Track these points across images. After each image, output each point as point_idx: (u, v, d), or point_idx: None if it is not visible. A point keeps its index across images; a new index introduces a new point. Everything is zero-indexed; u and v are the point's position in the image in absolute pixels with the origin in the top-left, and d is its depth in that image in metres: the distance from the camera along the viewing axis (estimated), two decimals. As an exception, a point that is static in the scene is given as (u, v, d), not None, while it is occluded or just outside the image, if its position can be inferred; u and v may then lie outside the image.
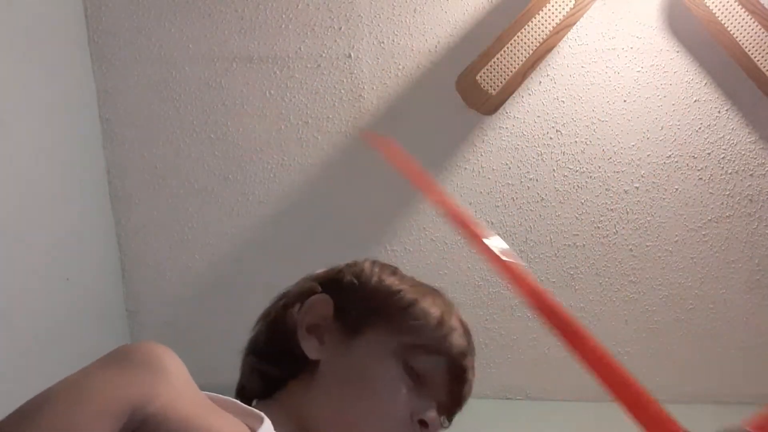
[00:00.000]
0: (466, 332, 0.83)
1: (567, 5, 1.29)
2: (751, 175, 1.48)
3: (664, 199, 1.51)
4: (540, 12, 1.30)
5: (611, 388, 0.59)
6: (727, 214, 1.50)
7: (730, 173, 1.48)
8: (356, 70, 1.52)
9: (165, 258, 1.67)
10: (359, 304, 0.80)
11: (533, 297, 0.65)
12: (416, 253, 1.59)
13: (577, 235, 1.55)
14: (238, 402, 0.68)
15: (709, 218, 1.51)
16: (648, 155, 1.49)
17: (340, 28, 1.50)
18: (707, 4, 1.27)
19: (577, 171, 1.51)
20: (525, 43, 1.32)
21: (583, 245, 1.55)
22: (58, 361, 1.40)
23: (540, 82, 1.47)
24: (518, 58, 1.33)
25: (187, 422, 0.56)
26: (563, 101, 1.48)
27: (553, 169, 1.52)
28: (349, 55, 1.51)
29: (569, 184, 1.52)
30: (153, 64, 1.56)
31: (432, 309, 0.80)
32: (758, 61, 1.28)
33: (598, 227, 1.54)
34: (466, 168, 1.54)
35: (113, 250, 1.66)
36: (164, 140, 1.60)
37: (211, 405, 0.63)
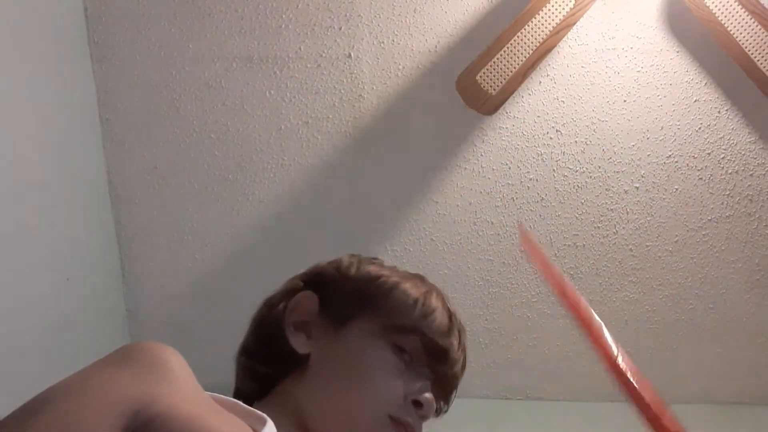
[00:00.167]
0: (449, 312, 0.83)
1: (567, 5, 1.29)
2: (751, 175, 1.48)
3: (664, 199, 1.51)
4: (540, 12, 1.30)
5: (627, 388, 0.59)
6: (727, 214, 1.50)
7: (730, 173, 1.48)
8: (356, 70, 1.52)
9: (165, 258, 1.67)
10: (342, 295, 0.81)
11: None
12: (416, 253, 1.59)
13: (577, 235, 1.55)
14: (241, 403, 0.68)
15: (709, 218, 1.51)
16: (648, 155, 1.49)
17: (340, 28, 1.50)
18: (707, 4, 1.27)
19: (577, 171, 1.51)
20: (525, 43, 1.32)
21: (583, 245, 1.55)
22: (58, 361, 1.40)
23: (540, 82, 1.47)
24: (518, 58, 1.33)
25: (191, 423, 0.56)
26: (563, 101, 1.48)
27: (553, 169, 1.52)
28: (349, 55, 1.51)
29: (569, 184, 1.52)
30: (153, 64, 1.56)
31: (412, 291, 0.81)
32: (758, 61, 1.28)
33: (598, 227, 1.54)
34: (466, 168, 1.54)
35: (113, 249, 1.66)
36: (164, 140, 1.60)
37: (215, 406, 0.63)
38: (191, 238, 1.65)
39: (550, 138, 1.50)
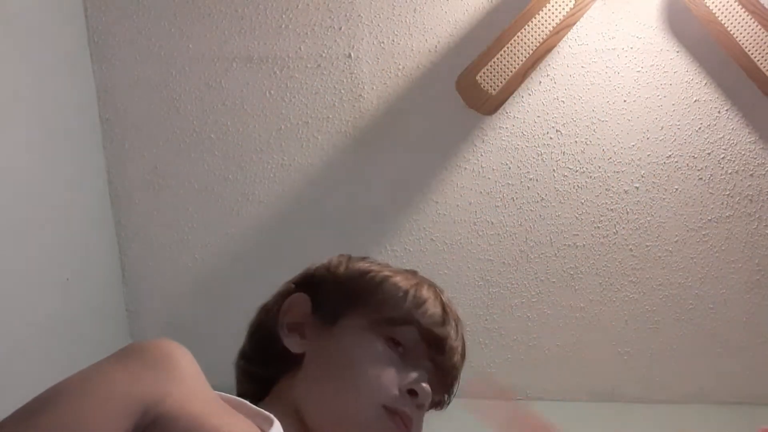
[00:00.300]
0: (442, 303, 0.83)
1: (567, 5, 1.29)
2: (751, 175, 1.48)
3: (664, 199, 1.51)
4: (540, 12, 1.30)
5: None
6: (727, 214, 1.50)
7: (730, 173, 1.48)
8: (356, 70, 1.52)
9: (165, 258, 1.67)
10: (333, 294, 0.82)
11: None
12: (416, 253, 1.59)
13: (577, 235, 1.55)
14: (248, 403, 0.68)
15: (709, 218, 1.51)
16: (648, 155, 1.49)
17: (340, 28, 1.50)
18: (707, 4, 1.27)
19: (577, 171, 1.51)
20: (525, 43, 1.32)
21: (583, 245, 1.55)
22: (59, 361, 1.40)
23: (540, 82, 1.47)
24: (518, 58, 1.33)
25: (198, 421, 0.56)
26: (563, 101, 1.48)
27: (553, 169, 1.52)
28: (349, 55, 1.51)
29: (569, 184, 1.52)
30: (153, 64, 1.56)
31: (402, 283, 0.82)
32: (758, 61, 1.28)
33: (598, 227, 1.54)
34: (466, 168, 1.54)
35: (113, 249, 1.66)
36: (164, 140, 1.60)
37: (223, 405, 0.63)
38: (191, 238, 1.65)
39: (550, 138, 1.50)
